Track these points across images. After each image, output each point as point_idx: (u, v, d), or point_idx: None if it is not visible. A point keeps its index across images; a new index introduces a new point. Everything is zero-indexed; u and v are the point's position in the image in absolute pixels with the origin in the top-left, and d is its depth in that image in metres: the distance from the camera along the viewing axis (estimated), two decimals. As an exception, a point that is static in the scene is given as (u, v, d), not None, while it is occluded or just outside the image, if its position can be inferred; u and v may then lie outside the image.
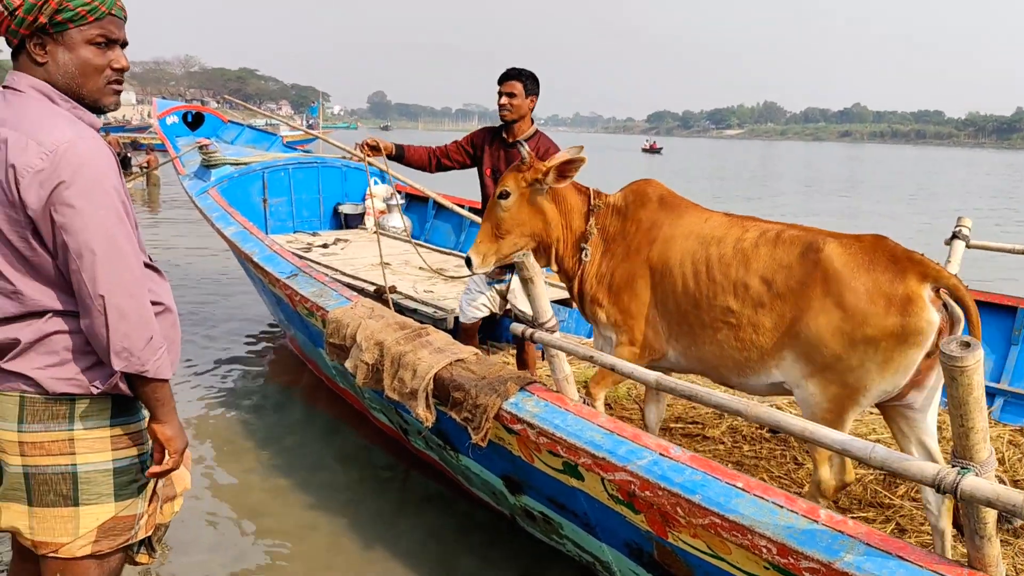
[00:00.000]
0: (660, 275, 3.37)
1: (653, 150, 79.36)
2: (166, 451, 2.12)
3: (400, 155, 4.76)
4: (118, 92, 2.10)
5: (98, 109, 2.09)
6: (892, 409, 3.08)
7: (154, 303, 2.11)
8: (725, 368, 3.31)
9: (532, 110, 4.61)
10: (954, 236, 5.09)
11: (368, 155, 4.69)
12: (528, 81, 4.51)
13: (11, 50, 2.01)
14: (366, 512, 4.22)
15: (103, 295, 1.90)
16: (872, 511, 3.48)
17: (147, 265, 2.16)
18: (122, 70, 2.09)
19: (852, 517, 3.41)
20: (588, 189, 3.70)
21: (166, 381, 2.06)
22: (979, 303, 5.14)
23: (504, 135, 4.63)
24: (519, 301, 4.63)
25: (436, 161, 4.84)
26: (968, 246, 5.06)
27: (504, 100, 4.48)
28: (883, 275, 2.90)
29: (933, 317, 2.80)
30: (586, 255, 3.58)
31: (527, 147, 3.54)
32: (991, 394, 4.98)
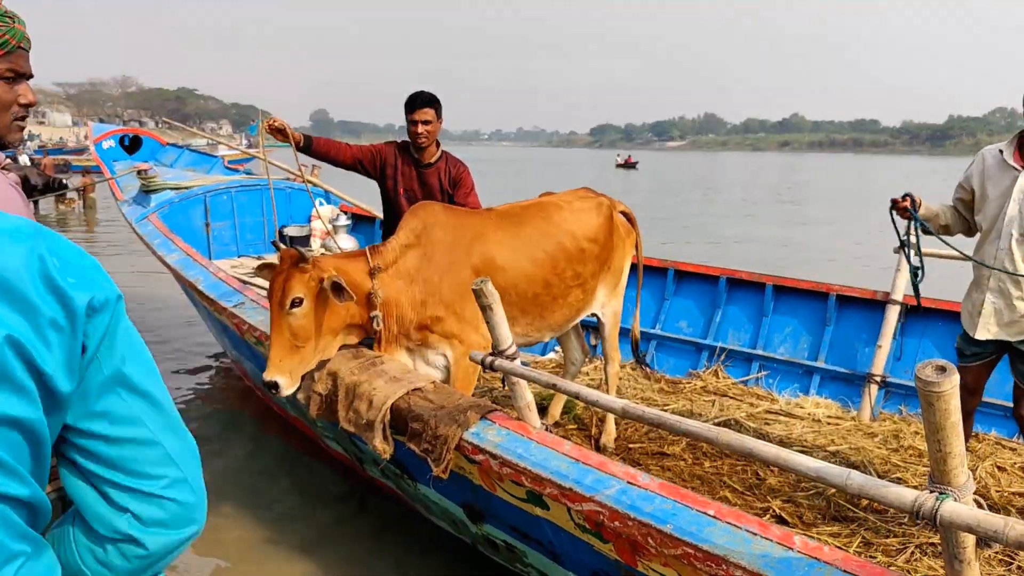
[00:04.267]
0: (491, 274, 3.58)
1: (628, 165, 67.71)
2: None
3: (308, 146, 4.47)
4: (23, 128, 1.94)
5: (1, 146, 1.93)
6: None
7: None
8: (566, 322, 4.18)
9: None
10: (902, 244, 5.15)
11: (274, 136, 4.36)
12: (438, 105, 4.38)
13: None
14: (324, 542, 4.08)
15: None
16: (837, 525, 3.46)
17: None
18: (29, 105, 1.95)
19: (817, 532, 3.42)
20: (364, 251, 3.55)
21: None
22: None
23: (415, 155, 4.47)
24: None
25: (354, 160, 4.59)
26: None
27: (421, 128, 4.32)
28: (619, 215, 4.45)
29: None
30: (377, 323, 3.43)
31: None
32: (811, 372, 5.53)
